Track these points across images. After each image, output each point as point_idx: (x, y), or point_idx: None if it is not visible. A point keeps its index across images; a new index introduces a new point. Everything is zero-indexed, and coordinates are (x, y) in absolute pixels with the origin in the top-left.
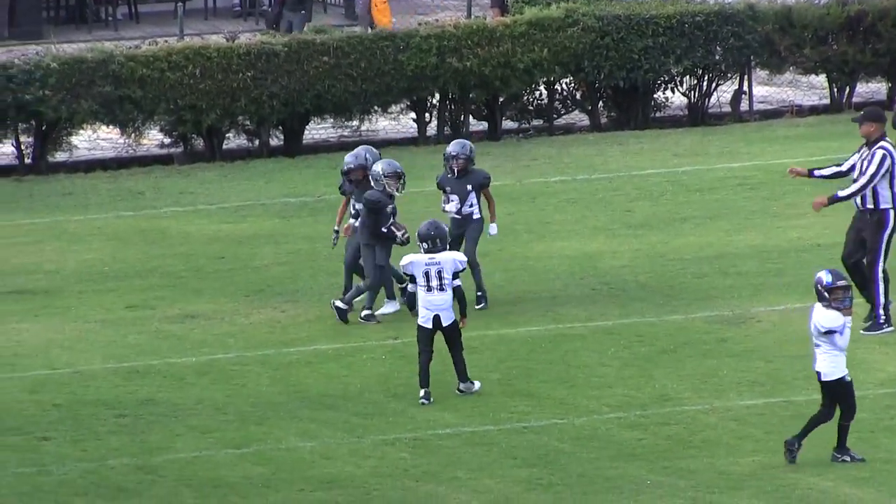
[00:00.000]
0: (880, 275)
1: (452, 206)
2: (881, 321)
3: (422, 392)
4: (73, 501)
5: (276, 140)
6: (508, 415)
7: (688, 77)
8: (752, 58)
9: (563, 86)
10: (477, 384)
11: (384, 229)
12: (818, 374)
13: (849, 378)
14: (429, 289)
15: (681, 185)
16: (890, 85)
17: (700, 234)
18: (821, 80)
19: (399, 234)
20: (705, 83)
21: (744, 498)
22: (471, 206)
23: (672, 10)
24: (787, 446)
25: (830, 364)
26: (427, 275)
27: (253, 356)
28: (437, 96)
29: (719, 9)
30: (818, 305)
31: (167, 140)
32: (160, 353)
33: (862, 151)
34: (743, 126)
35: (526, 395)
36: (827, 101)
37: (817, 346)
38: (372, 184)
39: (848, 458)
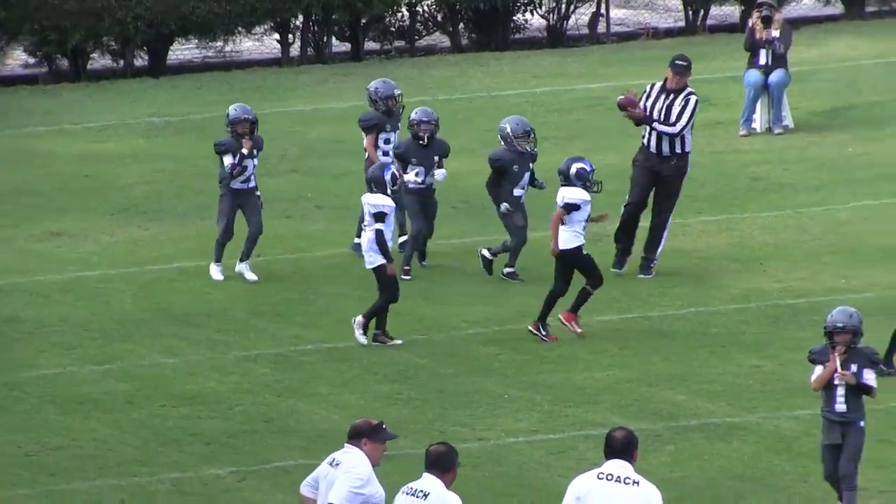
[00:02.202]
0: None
1: (417, 178)
2: (651, 266)
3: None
4: None
5: (140, 60)
6: (369, 331)
7: None
8: None
9: (425, 7)
10: (363, 339)
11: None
12: None
13: None
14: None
15: (540, 105)
16: (743, 8)
17: (559, 154)
18: (676, 2)
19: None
20: (564, 5)
21: (599, 411)
22: (432, 176)
23: None
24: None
25: None
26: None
27: (117, 274)
28: (301, 17)
29: None
30: None
31: (32, 60)
32: (25, 271)
33: (661, 96)
34: (600, 48)
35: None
36: (682, 23)
37: None
38: (502, 144)
39: (892, 370)
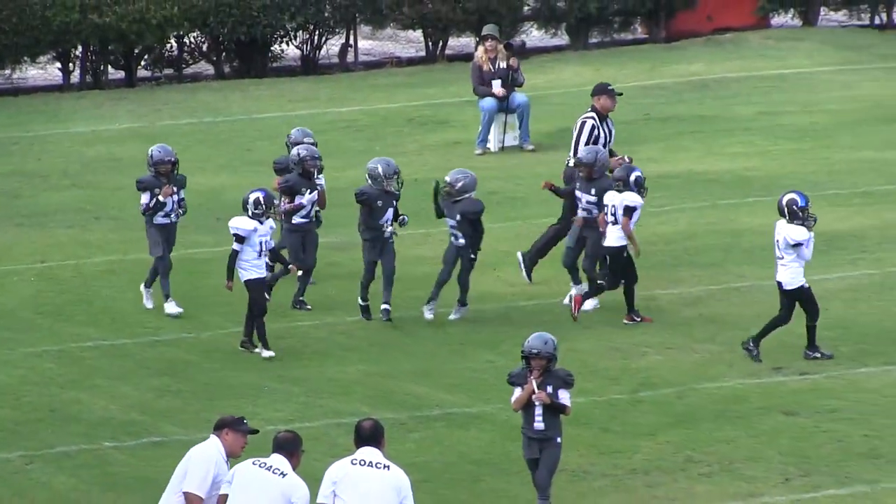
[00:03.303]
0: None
1: (312, 196)
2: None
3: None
4: None
5: None
6: (143, 329)
7: (301, 32)
8: (357, 15)
9: (192, 39)
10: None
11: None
12: (779, 283)
13: (807, 285)
14: None
15: (295, 127)
16: (477, 39)
17: None
18: (417, 34)
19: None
20: (316, 37)
21: (351, 402)
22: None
23: None
24: (744, 345)
25: (791, 274)
26: None
27: None
28: (80, 48)
29: None
30: (782, 223)
31: None
32: None
33: (603, 124)
34: (349, 75)
35: (158, 311)
36: (423, 53)
37: (780, 258)
38: (368, 181)
39: (818, 355)
